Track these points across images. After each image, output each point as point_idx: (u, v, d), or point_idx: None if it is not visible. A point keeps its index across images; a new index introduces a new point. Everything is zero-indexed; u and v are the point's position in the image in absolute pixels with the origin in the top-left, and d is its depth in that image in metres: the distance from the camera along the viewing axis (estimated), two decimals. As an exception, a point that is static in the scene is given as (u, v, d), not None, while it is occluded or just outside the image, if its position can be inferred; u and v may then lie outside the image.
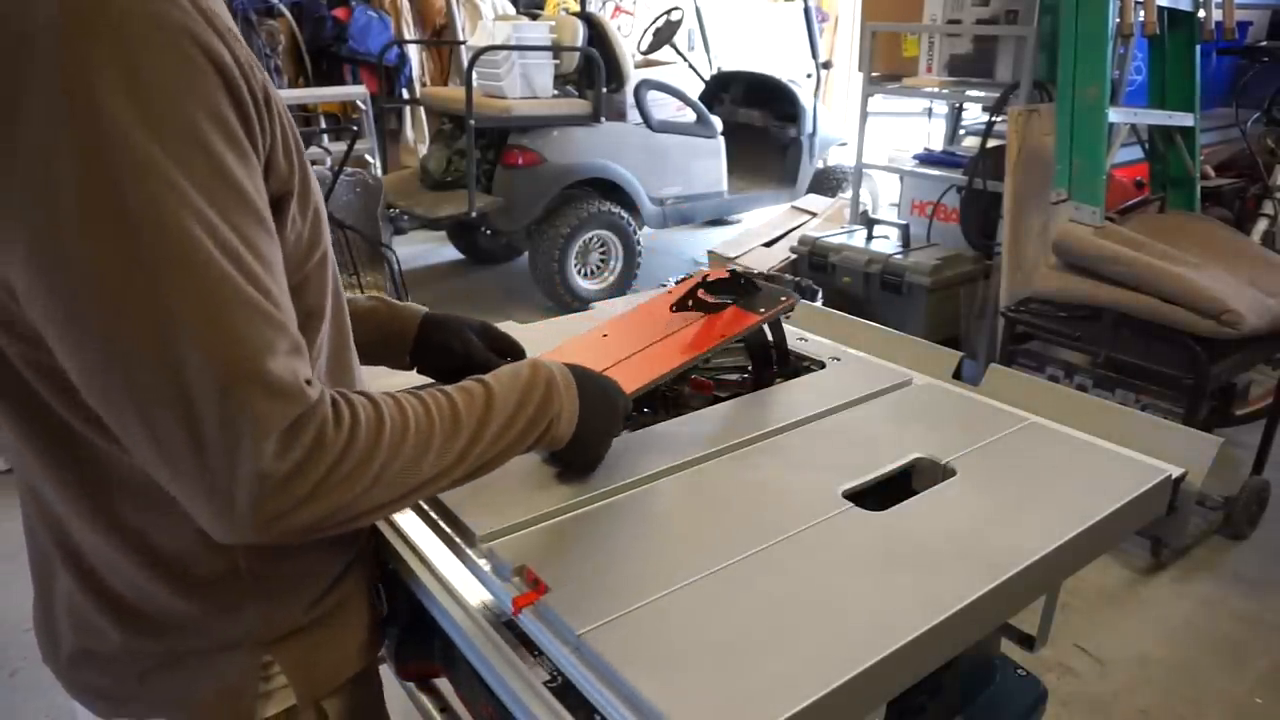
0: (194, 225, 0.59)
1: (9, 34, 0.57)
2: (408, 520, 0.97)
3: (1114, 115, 2.89)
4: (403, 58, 6.05)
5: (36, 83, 0.57)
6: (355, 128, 4.06)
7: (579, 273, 4.65)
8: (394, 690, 1.31)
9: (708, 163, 5.06)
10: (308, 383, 0.65)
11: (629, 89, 4.74)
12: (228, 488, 0.61)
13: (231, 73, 0.63)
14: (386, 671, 1.10)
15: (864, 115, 3.89)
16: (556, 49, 4.62)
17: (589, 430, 0.91)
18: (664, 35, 5.43)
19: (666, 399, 1.29)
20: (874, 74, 3.90)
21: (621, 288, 4.77)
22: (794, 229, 4.45)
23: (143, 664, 0.80)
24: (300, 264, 0.74)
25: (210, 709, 0.81)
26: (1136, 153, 3.46)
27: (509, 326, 1.31)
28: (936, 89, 3.75)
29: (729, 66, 6.00)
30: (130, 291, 0.58)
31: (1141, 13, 2.83)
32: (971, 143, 3.85)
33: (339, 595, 0.87)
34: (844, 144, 5.66)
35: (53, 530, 0.79)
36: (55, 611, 0.83)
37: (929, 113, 4.74)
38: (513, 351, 1.14)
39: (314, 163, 4.10)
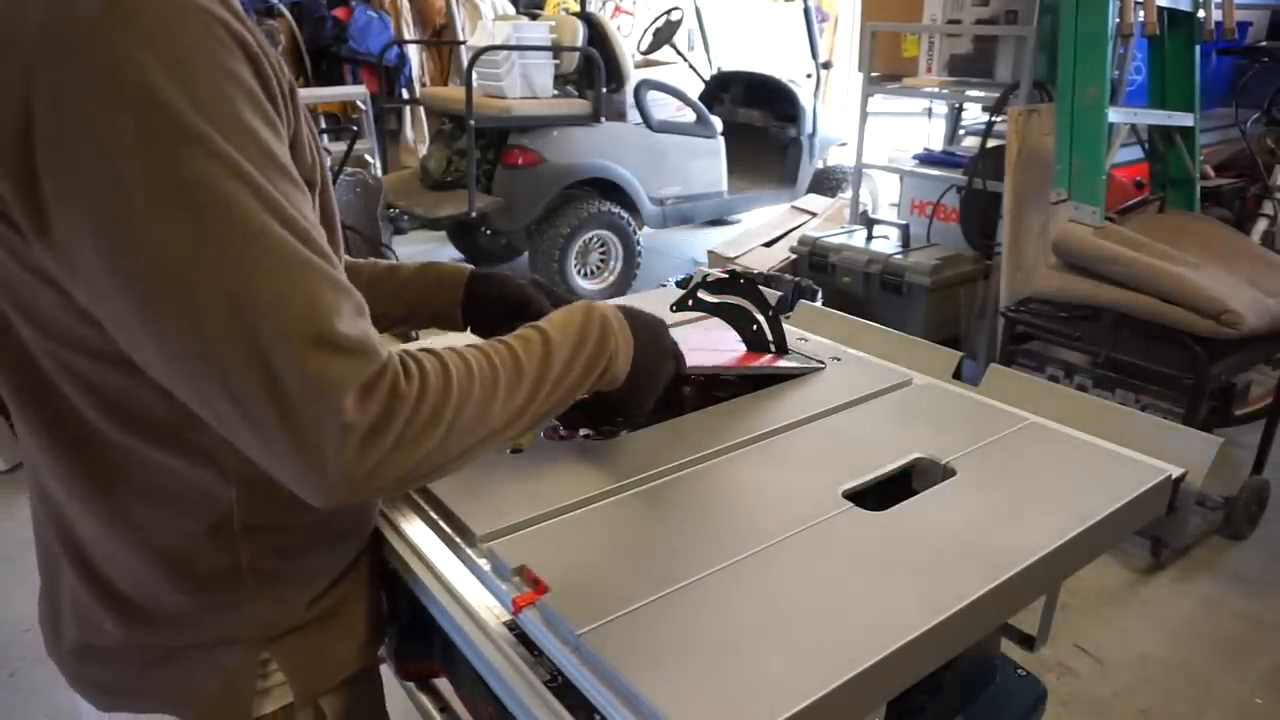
0: (250, 197, 0.60)
1: (51, 31, 0.58)
2: (408, 520, 0.97)
3: (1114, 115, 2.89)
4: (403, 58, 6.06)
5: (84, 75, 0.57)
6: (355, 128, 4.07)
7: (579, 273, 4.65)
8: (394, 690, 1.32)
9: (707, 163, 5.06)
10: (375, 341, 0.66)
11: (629, 89, 4.74)
12: (317, 447, 0.62)
13: (257, 55, 0.64)
14: (386, 671, 1.11)
15: (864, 115, 3.89)
16: (556, 49, 4.62)
17: (644, 367, 0.91)
18: (664, 35, 5.43)
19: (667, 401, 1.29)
20: (874, 74, 3.90)
21: (621, 288, 4.77)
22: (794, 229, 4.45)
23: (142, 658, 0.80)
24: None
25: (208, 704, 0.82)
26: (1136, 153, 3.46)
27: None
28: (936, 89, 3.75)
29: (729, 66, 6.00)
30: (201, 267, 0.59)
31: (1141, 13, 2.83)
32: (971, 143, 3.85)
33: (339, 594, 0.88)
34: (844, 144, 5.66)
35: (57, 525, 0.80)
36: (60, 605, 0.84)
37: (929, 113, 4.74)
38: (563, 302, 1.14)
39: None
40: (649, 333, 0.94)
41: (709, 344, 1.35)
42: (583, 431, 1.08)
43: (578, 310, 0.87)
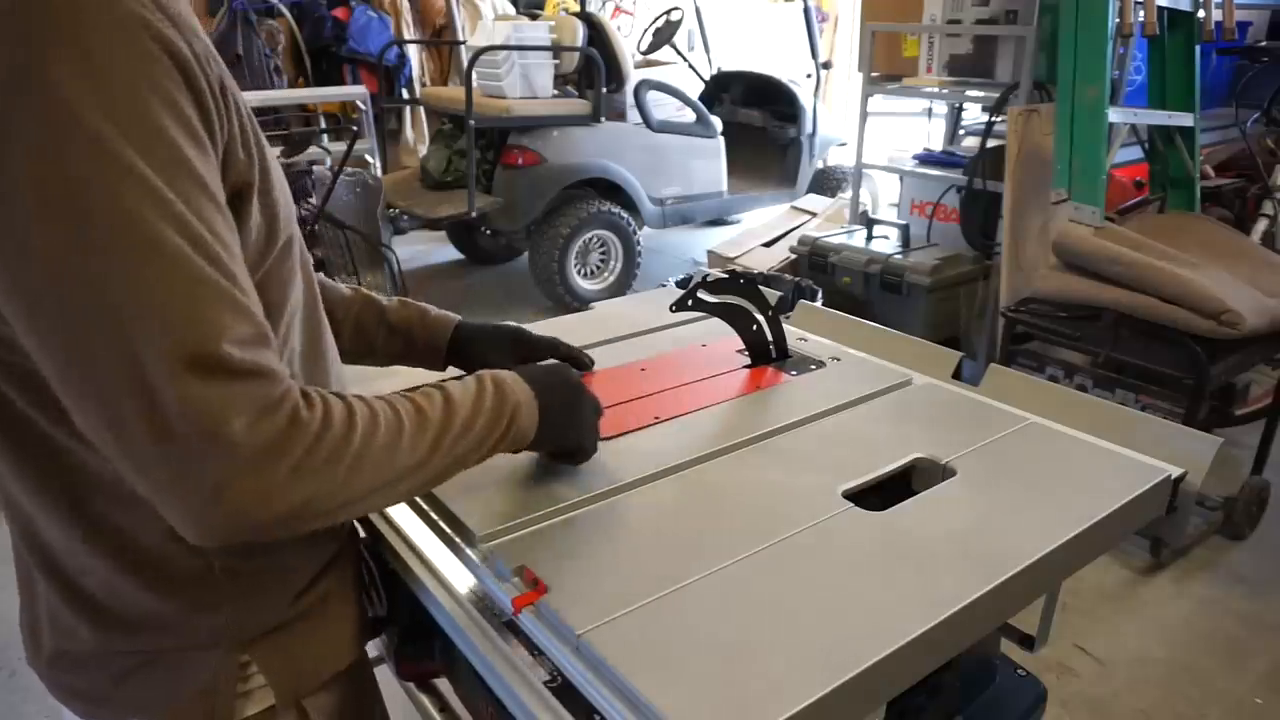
0: (151, 209, 0.58)
1: None
2: (408, 520, 0.97)
3: (1114, 115, 2.89)
4: (403, 58, 6.06)
5: None
6: (355, 128, 4.06)
7: (579, 273, 4.65)
8: (394, 690, 1.32)
9: (707, 163, 5.06)
10: (274, 369, 0.64)
11: (629, 89, 4.74)
12: (195, 476, 0.59)
13: (188, 63, 0.62)
14: (386, 671, 1.10)
15: (864, 115, 3.89)
16: (556, 49, 4.62)
17: (555, 413, 0.91)
18: (664, 35, 5.43)
19: None
20: (874, 74, 3.91)
21: (621, 288, 4.77)
22: (794, 229, 4.45)
23: (118, 664, 0.80)
24: (260, 258, 0.73)
25: (188, 709, 0.81)
26: (1136, 153, 3.46)
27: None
28: (936, 89, 3.75)
29: (729, 66, 6.00)
30: (87, 277, 0.57)
31: (1141, 13, 2.83)
32: (971, 143, 3.85)
33: (318, 593, 0.87)
34: (844, 144, 5.66)
35: (26, 535, 0.79)
36: (37, 613, 0.83)
37: (929, 113, 4.74)
38: (548, 355, 1.15)
39: (314, 163, 4.12)
40: (548, 377, 0.93)
41: (704, 363, 1.34)
42: None
43: (471, 377, 0.86)
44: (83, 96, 0.56)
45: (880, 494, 1.01)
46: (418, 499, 0.98)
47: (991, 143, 3.37)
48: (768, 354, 1.34)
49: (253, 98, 3.88)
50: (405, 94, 6.14)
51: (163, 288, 0.58)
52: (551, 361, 1.08)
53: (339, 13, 5.87)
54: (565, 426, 0.94)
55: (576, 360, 1.18)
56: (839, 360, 1.35)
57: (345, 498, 0.68)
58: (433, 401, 0.78)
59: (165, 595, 0.77)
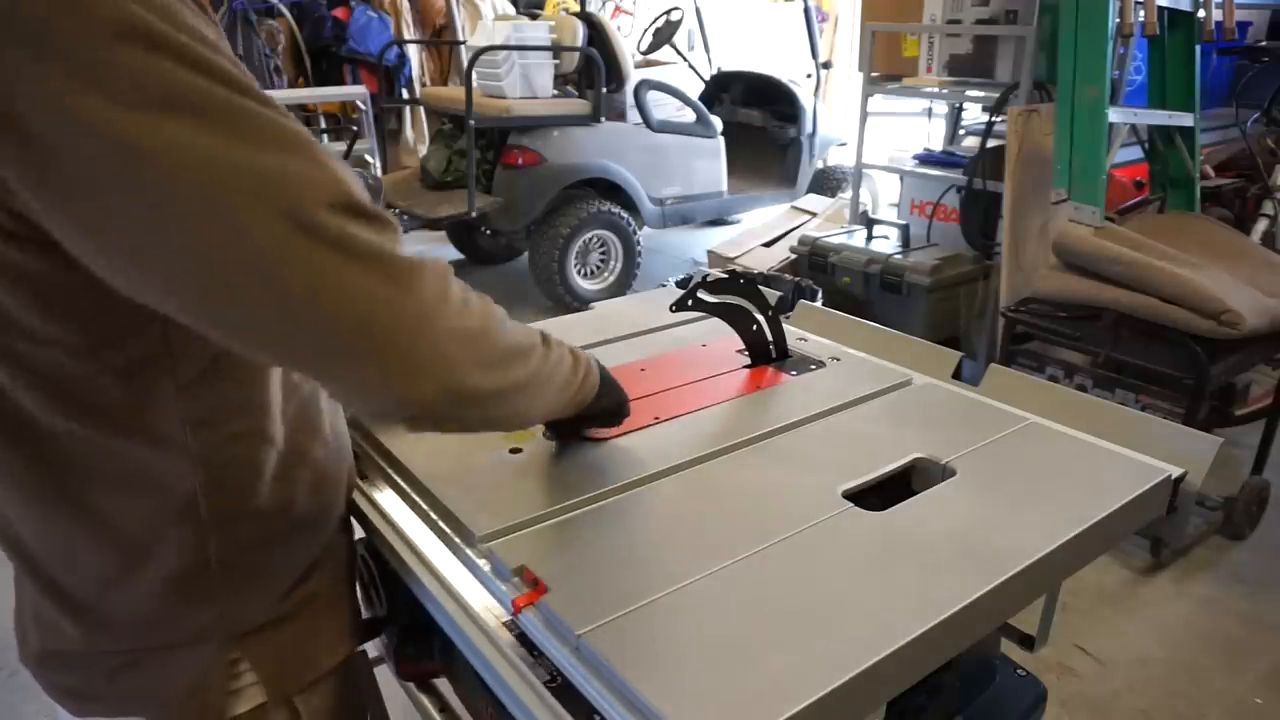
0: (241, 94, 0.59)
1: None
2: (408, 520, 0.97)
3: (1114, 115, 2.89)
4: (403, 58, 6.06)
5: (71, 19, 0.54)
6: (355, 128, 4.07)
7: (579, 273, 4.65)
8: (394, 690, 1.32)
9: (707, 163, 5.06)
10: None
11: (629, 89, 4.74)
12: (396, 305, 0.61)
13: (221, 37, 0.64)
14: (386, 672, 1.11)
15: (864, 115, 3.89)
16: (556, 49, 4.62)
17: (603, 371, 0.97)
18: (664, 35, 5.43)
19: None
20: (874, 74, 3.91)
21: (621, 288, 4.77)
22: (794, 229, 4.45)
23: (109, 662, 0.80)
24: None
25: (179, 706, 0.81)
26: (1136, 153, 3.46)
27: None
28: (936, 89, 3.75)
29: (729, 66, 6.00)
30: (219, 152, 0.56)
31: (1141, 13, 2.83)
32: (971, 143, 3.85)
33: (309, 589, 0.87)
34: (844, 144, 5.66)
35: (7, 534, 0.78)
36: (23, 610, 0.84)
37: (929, 113, 4.74)
38: None
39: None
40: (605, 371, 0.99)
41: (704, 363, 1.34)
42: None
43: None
44: (160, 25, 0.56)
45: (880, 494, 1.01)
46: (418, 499, 0.98)
47: (991, 143, 3.37)
48: (768, 354, 1.34)
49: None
50: (405, 94, 6.14)
51: (293, 148, 0.59)
52: None
53: (339, 13, 5.88)
54: (612, 383, 0.99)
55: None
56: (839, 360, 1.35)
57: (490, 354, 0.71)
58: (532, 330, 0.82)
59: (158, 589, 0.77)
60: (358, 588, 1.04)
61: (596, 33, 4.77)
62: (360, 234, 0.60)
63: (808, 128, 5.37)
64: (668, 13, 5.47)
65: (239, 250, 0.57)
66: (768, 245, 4.42)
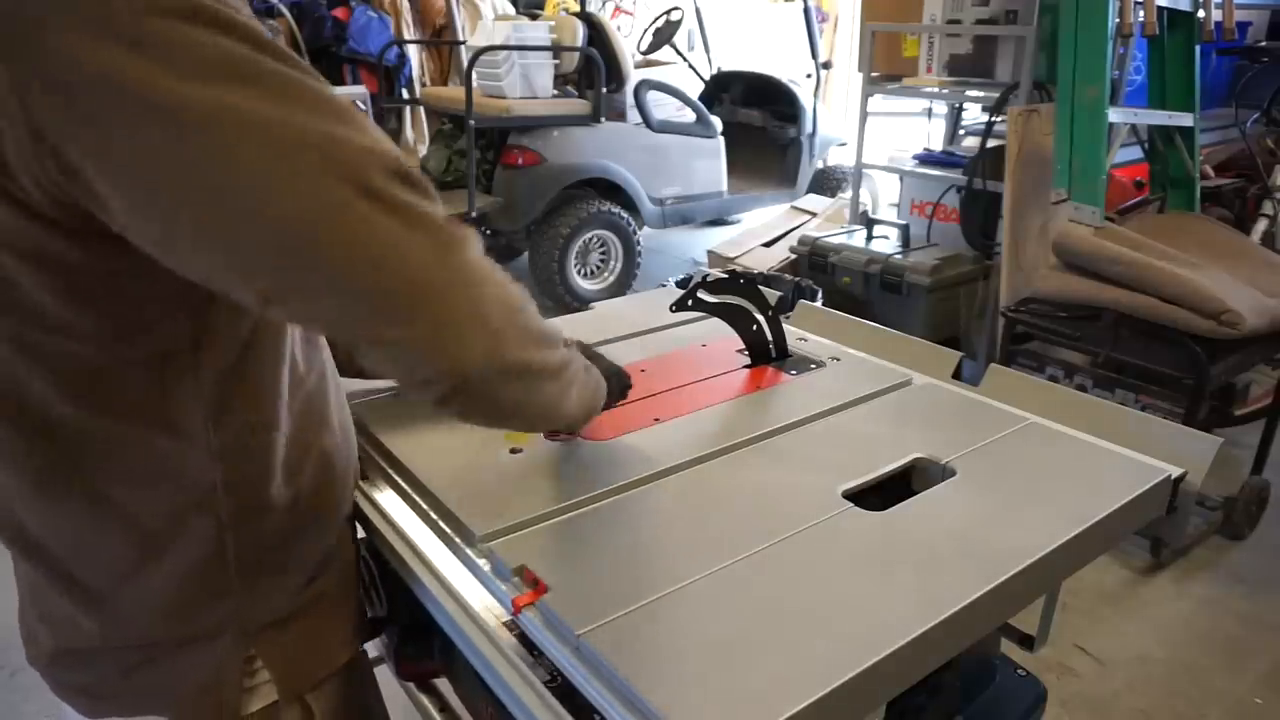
0: (292, 68, 0.60)
1: None
2: (408, 520, 0.97)
3: (1114, 115, 2.89)
4: (403, 58, 6.05)
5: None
6: (355, 128, 4.06)
7: (579, 273, 4.65)
8: (394, 690, 1.32)
9: (707, 163, 5.06)
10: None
11: (629, 89, 4.74)
12: (446, 264, 0.63)
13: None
14: (386, 671, 1.11)
15: (864, 115, 3.89)
16: (556, 49, 4.62)
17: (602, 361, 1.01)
18: (664, 35, 5.43)
19: None
20: (874, 74, 3.90)
21: (621, 288, 4.77)
22: (794, 229, 4.45)
23: (124, 659, 0.80)
24: None
25: (194, 703, 0.81)
26: (1136, 153, 3.46)
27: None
28: (936, 89, 3.75)
29: (729, 66, 6.00)
30: (281, 119, 0.58)
31: (1141, 13, 2.83)
32: (971, 143, 3.85)
33: (320, 586, 0.87)
34: (844, 144, 5.66)
35: (11, 528, 0.78)
36: (32, 611, 0.83)
37: (929, 113, 4.74)
38: None
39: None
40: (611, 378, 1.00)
41: (704, 363, 1.35)
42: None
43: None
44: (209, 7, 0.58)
45: (880, 494, 1.01)
46: (418, 499, 0.98)
47: (991, 143, 3.37)
48: (768, 354, 1.34)
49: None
50: (405, 94, 6.14)
51: (348, 121, 0.61)
52: None
53: (339, 13, 5.87)
54: (609, 370, 1.00)
55: None
56: (839, 360, 1.35)
57: (529, 328, 0.72)
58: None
59: (174, 582, 0.77)
60: (359, 587, 1.04)
61: (596, 33, 4.77)
62: (414, 201, 0.62)
63: (808, 128, 5.37)
64: (668, 13, 5.47)
65: (307, 214, 0.59)
66: (768, 245, 4.42)
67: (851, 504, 0.95)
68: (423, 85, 6.22)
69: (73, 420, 0.71)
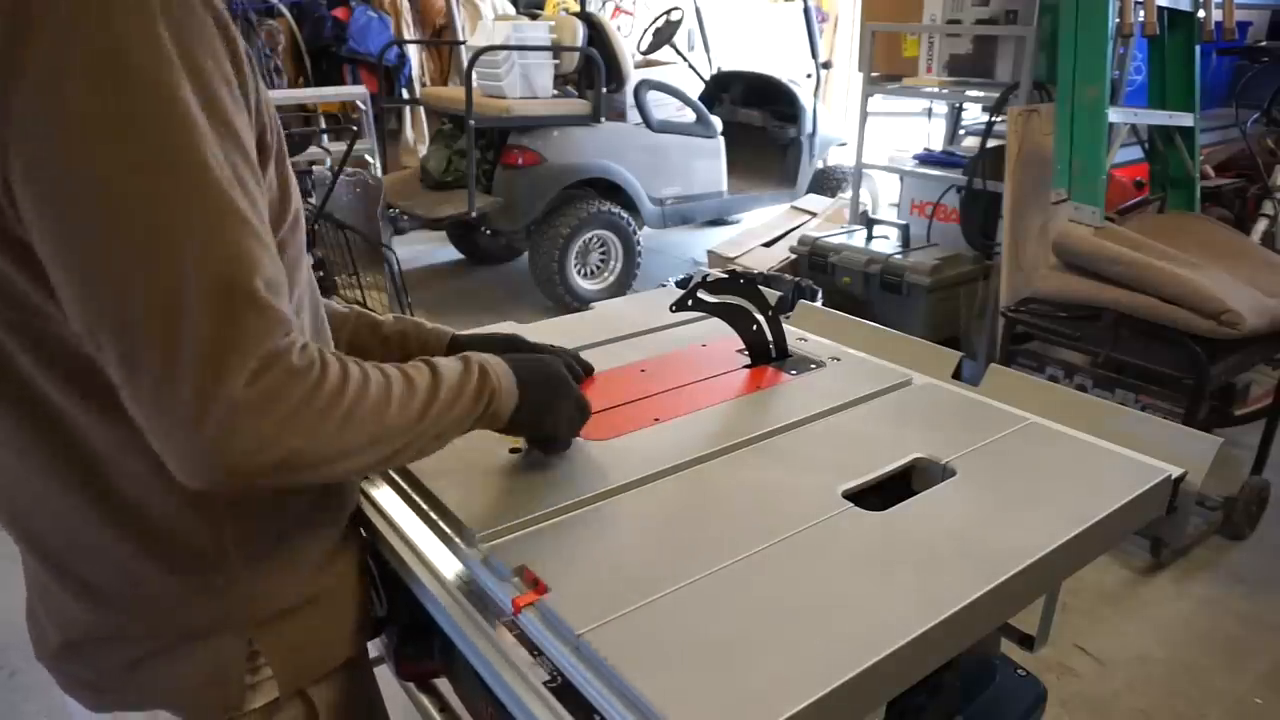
0: (199, 142, 0.61)
1: None
2: (408, 520, 0.97)
3: (1114, 115, 2.89)
4: (403, 58, 6.06)
5: (50, 7, 0.58)
6: (355, 128, 4.06)
7: (579, 273, 4.65)
8: (394, 690, 1.31)
9: (707, 163, 5.06)
10: (288, 317, 0.66)
11: (629, 89, 4.74)
12: (202, 408, 0.61)
13: (227, 25, 0.66)
14: (386, 671, 1.11)
15: (864, 115, 3.89)
16: (556, 49, 4.62)
17: (533, 401, 0.93)
18: (664, 35, 5.43)
19: None
20: (874, 74, 3.90)
21: (621, 288, 4.77)
22: (794, 229, 4.45)
23: (129, 652, 0.80)
24: (275, 225, 0.75)
25: (198, 697, 0.81)
26: (1136, 153, 3.46)
27: (509, 327, 1.31)
28: (936, 89, 3.75)
29: (729, 66, 5.99)
30: (132, 196, 0.60)
31: (1141, 13, 2.83)
32: (971, 143, 3.85)
33: (324, 581, 0.88)
34: (844, 144, 5.66)
35: (17, 522, 0.79)
36: (39, 605, 0.84)
37: (929, 113, 4.74)
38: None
39: (314, 163, 4.12)
40: (534, 365, 0.97)
41: (704, 363, 1.35)
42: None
43: (458, 357, 0.89)
44: (139, 39, 0.60)
45: (880, 494, 1.01)
46: (417, 499, 0.98)
47: (991, 143, 3.37)
48: (768, 354, 1.34)
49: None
50: (405, 94, 6.14)
51: (208, 213, 0.61)
52: (547, 354, 1.09)
53: (339, 13, 5.88)
54: (542, 414, 0.96)
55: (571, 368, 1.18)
56: (839, 360, 1.35)
57: (333, 451, 0.70)
58: (421, 373, 0.81)
59: (176, 572, 0.77)
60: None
61: (596, 33, 4.77)
62: (238, 322, 0.61)
63: (808, 128, 5.37)
64: (668, 13, 5.47)
65: (111, 293, 0.61)
66: (768, 245, 4.42)
67: (851, 504, 0.95)
68: (423, 85, 6.22)
69: (76, 415, 0.72)
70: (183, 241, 0.60)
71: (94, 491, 0.74)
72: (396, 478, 1.03)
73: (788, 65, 6.12)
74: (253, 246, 0.63)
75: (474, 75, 4.31)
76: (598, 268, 4.78)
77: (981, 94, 3.61)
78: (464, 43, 6.03)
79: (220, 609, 0.80)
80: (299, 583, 0.85)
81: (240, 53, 0.68)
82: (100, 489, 0.74)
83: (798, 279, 1.61)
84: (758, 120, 5.61)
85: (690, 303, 1.24)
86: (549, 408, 0.97)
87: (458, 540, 0.91)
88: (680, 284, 1.62)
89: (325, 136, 4.93)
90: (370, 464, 0.75)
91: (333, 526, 0.89)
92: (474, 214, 4.33)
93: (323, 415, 0.67)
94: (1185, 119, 3.17)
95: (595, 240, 4.69)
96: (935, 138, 4.39)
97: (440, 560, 0.90)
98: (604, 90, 4.59)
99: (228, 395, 0.61)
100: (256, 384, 0.62)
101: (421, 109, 6.09)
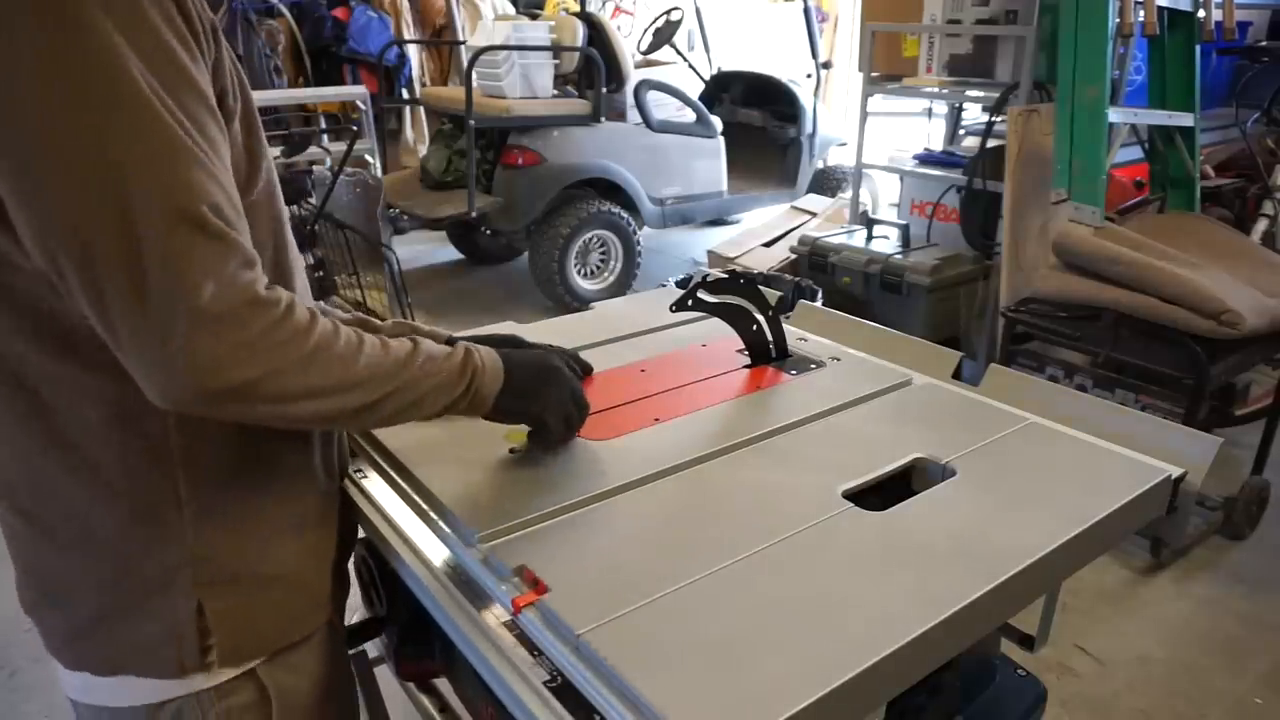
0: (143, 82, 0.64)
1: None
2: (408, 520, 0.97)
3: (1114, 115, 2.89)
4: (403, 58, 6.06)
5: None
6: (355, 128, 4.06)
7: (579, 273, 4.65)
8: (394, 690, 1.32)
9: (707, 163, 5.06)
10: (245, 245, 0.69)
11: (629, 89, 4.74)
12: (167, 327, 0.64)
13: None
14: (386, 672, 1.11)
15: (864, 115, 3.89)
16: (556, 49, 4.62)
17: (519, 385, 0.94)
18: (664, 35, 5.43)
19: None
20: (874, 74, 3.90)
21: (621, 288, 4.77)
22: (794, 229, 4.45)
23: (94, 603, 0.82)
24: (243, 190, 0.77)
25: (155, 656, 0.83)
26: (1136, 153, 3.46)
27: (509, 327, 1.31)
28: (936, 89, 3.75)
29: (729, 66, 5.99)
30: (81, 133, 0.62)
31: (1141, 13, 2.83)
32: (971, 143, 3.85)
33: (280, 555, 0.88)
34: (844, 144, 5.66)
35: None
36: (17, 562, 0.86)
37: (929, 113, 4.74)
38: None
39: (314, 163, 4.11)
40: (524, 358, 0.98)
41: (704, 363, 1.35)
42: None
43: (443, 340, 0.92)
44: None
45: (880, 494, 1.01)
46: (418, 499, 0.98)
47: (991, 143, 3.37)
48: (768, 354, 1.34)
49: (253, 98, 3.87)
50: (405, 94, 6.14)
51: (151, 145, 0.65)
52: (544, 349, 1.09)
53: (339, 13, 5.88)
54: (528, 400, 0.96)
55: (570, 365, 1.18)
56: (839, 360, 1.35)
57: (294, 388, 0.72)
58: (401, 342, 0.83)
59: (133, 522, 0.80)
60: (358, 587, 1.04)
61: (596, 33, 4.77)
62: (181, 251, 0.64)
63: (808, 128, 5.37)
64: (668, 13, 5.47)
65: (82, 231, 0.64)
66: (768, 245, 4.42)
67: (851, 504, 0.95)
68: (423, 85, 6.22)
69: (31, 361, 0.74)
70: (129, 173, 0.63)
71: (47, 438, 0.77)
72: (396, 477, 1.03)
73: (788, 65, 6.12)
74: (200, 177, 0.66)
75: (474, 75, 4.31)
76: (598, 268, 4.78)
77: (981, 94, 3.61)
78: (464, 43, 6.03)
79: (172, 563, 0.81)
80: (251, 551, 0.85)
81: (194, 16, 0.70)
82: (49, 437, 0.77)
83: (798, 279, 1.61)
84: (758, 120, 5.61)
85: (690, 303, 1.24)
86: (535, 394, 0.97)
87: (457, 540, 0.91)
88: (680, 284, 1.62)
89: (325, 136, 4.93)
90: (338, 411, 0.76)
91: (295, 500, 0.90)
92: (474, 214, 4.33)
93: (284, 349, 0.70)
94: (1185, 119, 3.17)
95: (595, 240, 4.69)
96: (935, 138, 4.39)
97: (440, 560, 0.90)
98: (604, 90, 4.59)
99: (190, 311, 0.64)
100: (217, 306, 0.65)
101: (421, 109, 6.09)
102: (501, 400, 0.92)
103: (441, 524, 0.94)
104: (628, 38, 5.54)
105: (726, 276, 1.30)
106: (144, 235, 0.63)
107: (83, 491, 0.79)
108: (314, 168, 3.98)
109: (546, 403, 0.98)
